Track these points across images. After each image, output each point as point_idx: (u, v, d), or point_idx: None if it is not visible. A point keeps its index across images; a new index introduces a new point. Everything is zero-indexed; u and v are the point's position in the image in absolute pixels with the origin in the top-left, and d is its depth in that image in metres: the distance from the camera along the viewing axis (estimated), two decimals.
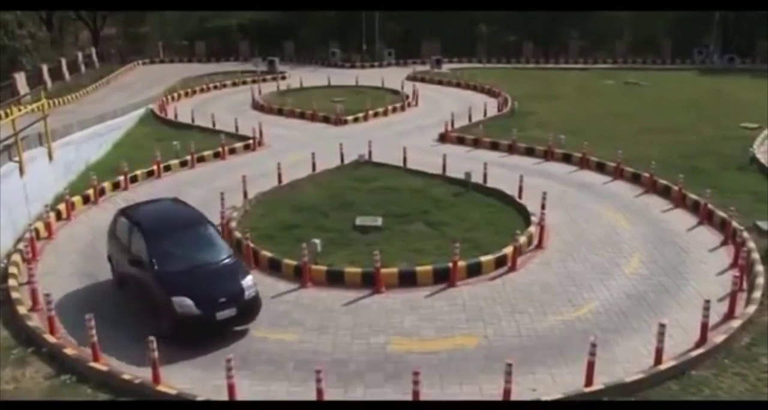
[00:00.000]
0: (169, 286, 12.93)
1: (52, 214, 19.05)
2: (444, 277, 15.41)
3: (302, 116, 33.65)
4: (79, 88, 37.49)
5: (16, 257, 16.43)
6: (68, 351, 12.59)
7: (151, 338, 11.52)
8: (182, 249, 13.77)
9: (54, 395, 11.59)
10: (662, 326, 11.90)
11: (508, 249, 16.40)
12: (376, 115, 33.64)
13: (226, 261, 13.90)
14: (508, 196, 20.62)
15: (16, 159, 19.18)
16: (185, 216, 14.93)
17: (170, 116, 33.56)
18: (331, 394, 10.99)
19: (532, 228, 17.92)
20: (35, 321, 13.71)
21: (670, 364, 11.95)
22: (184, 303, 12.71)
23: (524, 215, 19.14)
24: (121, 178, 22.45)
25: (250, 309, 13.39)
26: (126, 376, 11.84)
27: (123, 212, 15.29)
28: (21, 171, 19.19)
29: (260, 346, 13.01)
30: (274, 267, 16.22)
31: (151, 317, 13.41)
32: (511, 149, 26.80)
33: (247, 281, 13.49)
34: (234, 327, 13.29)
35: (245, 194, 20.66)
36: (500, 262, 16.23)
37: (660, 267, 16.37)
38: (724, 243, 17.58)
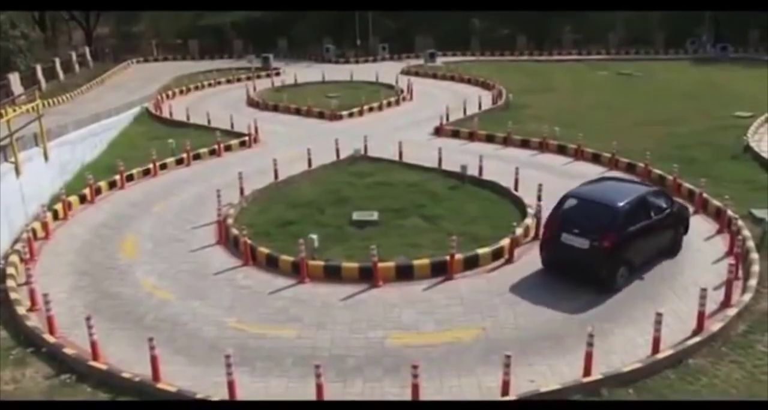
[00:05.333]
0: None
1: (49, 214, 19.04)
2: (441, 270, 15.44)
3: (297, 112, 33.58)
4: (74, 88, 37.35)
5: (14, 258, 16.43)
6: (67, 350, 12.63)
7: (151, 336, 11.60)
8: None
9: (54, 394, 11.63)
10: (659, 315, 11.97)
11: (505, 242, 16.44)
12: (371, 110, 33.61)
13: None
14: (504, 189, 20.65)
15: (12, 160, 19.19)
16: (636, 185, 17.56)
17: (165, 114, 33.48)
18: (330, 389, 11.04)
19: (529, 220, 17.95)
20: (34, 322, 13.73)
21: (667, 353, 12.01)
22: None
23: (520, 207, 19.18)
24: (117, 176, 22.46)
25: None
26: (125, 375, 11.88)
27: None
28: (17, 171, 19.21)
29: (258, 342, 13.05)
30: (271, 264, 16.27)
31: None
32: (506, 142, 26.84)
33: None
34: None
35: (241, 191, 20.68)
36: (497, 254, 16.26)
37: None
38: (719, 232, 17.64)
